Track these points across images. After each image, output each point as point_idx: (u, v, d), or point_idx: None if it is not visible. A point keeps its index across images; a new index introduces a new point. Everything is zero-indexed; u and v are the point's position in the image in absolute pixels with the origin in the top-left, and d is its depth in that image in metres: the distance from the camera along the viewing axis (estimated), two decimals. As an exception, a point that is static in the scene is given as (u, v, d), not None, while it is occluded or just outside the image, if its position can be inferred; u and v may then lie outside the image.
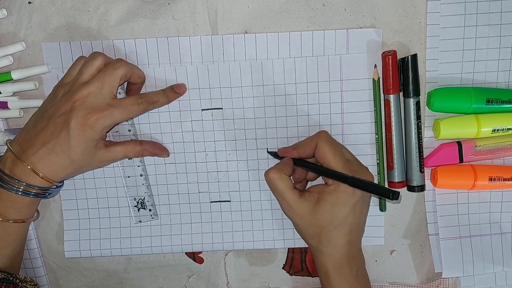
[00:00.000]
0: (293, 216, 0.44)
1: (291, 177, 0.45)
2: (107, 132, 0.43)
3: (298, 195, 0.43)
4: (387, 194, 0.39)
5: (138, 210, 0.50)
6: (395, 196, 0.39)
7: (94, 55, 0.42)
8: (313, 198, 0.43)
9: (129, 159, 0.48)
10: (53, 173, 0.42)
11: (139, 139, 0.48)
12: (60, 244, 0.51)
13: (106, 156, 0.43)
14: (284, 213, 0.44)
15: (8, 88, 0.46)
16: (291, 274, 0.51)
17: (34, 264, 0.51)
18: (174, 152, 0.49)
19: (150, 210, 0.50)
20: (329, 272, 0.43)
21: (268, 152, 0.48)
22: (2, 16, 0.46)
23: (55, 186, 0.44)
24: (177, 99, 0.47)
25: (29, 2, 0.46)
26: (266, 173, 0.43)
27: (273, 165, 0.44)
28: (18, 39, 0.47)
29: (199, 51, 0.46)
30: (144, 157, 0.49)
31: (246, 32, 0.46)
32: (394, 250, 0.50)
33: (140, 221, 0.50)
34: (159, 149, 0.47)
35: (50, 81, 0.46)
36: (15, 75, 0.46)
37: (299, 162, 0.45)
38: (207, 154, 0.49)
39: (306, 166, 0.44)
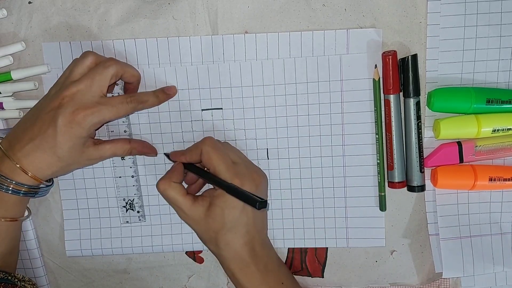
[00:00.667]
0: (189, 222, 0.44)
1: (185, 180, 0.46)
2: (96, 130, 0.43)
3: (191, 201, 0.43)
4: (253, 203, 0.40)
5: (126, 211, 0.50)
6: (261, 205, 0.40)
7: (85, 54, 0.42)
8: (206, 203, 0.43)
9: (122, 159, 0.48)
10: (39, 170, 0.41)
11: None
12: (60, 244, 0.51)
13: (95, 154, 0.43)
14: (182, 220, 0.45)
15: (8, 88, 0.46)
16: (291, 274, 0.51)
17: (33, 264, 0.51)
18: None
19: (138, 211, 0.50)
20: (235, 274, 0.44)
21: (164, 154, 0.48)
22: (2, 16, 0.46)
23: (44, 185, 0.43)
24: (178, 99, 0.47)
25: (29, 2, 0.46)
26: (157, 184, 0.44)
27: (169, 175, 0.45)
28: (18, 39, 0.47)
29: (199, 51, 0.46)
30: (139, 159, 0.49)
31: (246, 32, 0.46)
32: (394, 251, 0.50)
33: (127, 221, 0.50)
34: (147, 148, 0.47)
35: (50, 81, 0.46)
36: (15, 75, 0.46)
37: (189, 166, 0.45)
38: (207, 154, 0.49)
39: (193, 171, 0.45)
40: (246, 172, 0.43)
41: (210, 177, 0.43)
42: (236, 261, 0.43)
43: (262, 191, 0.45)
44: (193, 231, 0.46)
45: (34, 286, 0.43)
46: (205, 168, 0.45)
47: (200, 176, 0.45)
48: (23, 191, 0.42)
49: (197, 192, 0.48)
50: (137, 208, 0.50)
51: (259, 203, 0.40)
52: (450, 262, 0.48)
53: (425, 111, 0.47)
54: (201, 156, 0.43)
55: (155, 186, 0.49)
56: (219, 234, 0.43)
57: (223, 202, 0.42)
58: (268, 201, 0.41)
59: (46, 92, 0.44)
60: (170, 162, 0.48)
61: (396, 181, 0.46)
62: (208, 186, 0.49)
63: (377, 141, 0.47)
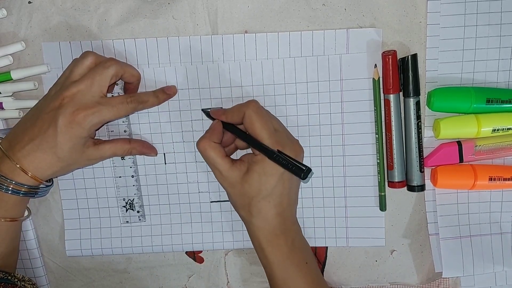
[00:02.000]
0: (225, 185, 0.44)
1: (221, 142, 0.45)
2: (96, 130, 0.43)
3: (229, 163, 0.43)
4: (298, 172, 0.40)
5: (126, 210, 0.50)
6: (306, 174, 0.40)
7: (85, 54, 0.42)
8: (244, 167, 0.43)
9: (122, 159, 0.48)
10: (39, 170, 0.41)
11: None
12: (60, 243, 0.51)
13: (95, 154, 0.43)
14: (218, 182, 0.44)
15: (7, 88, 0.46)
16: (291, 274, 0.51)
17: (33, 264, 0.51)
18: (174, 152, 0.49)
19: (138, 211, 0.50)
20: (262, 244, 0.43)
21: (202, 110, 0.47)
22: (2, 16, 0.46)
23: (44, 185, 0.43)
24: (178, 99, 0.47)
25: (29, 2, 0.46)
26: (198, 143, 0.43)
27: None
28: (18, 39, 0.47)
29: (199, 51, 0.46)
30: (139, 159, 0.49)
31: (246, 32, 0.46)
32: (394, 250, 0.50)
33: (127, 221, 0.50)
34: (147, 148, 0.47)
35: (49, 81, 0.46)
36: (15, 75, 0.46)
37: (228, 126, 0.44)
38: (207, 154, 0.49)
39: (234, 132, 0.44)
40: (287, 141, 0.43)
41: (253, 140, 0.42)
42: (265, 231, 0.43)
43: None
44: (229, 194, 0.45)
45: (34, 286, 0.43)
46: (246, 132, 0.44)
47: (242, 138, 0.44)
48: (23, 191, 0.42)
49: (230, 155, 0.47)
50: (137, 208, 0.50)
51: (305, 172, 0.39)
52: (450, 262, 0.48)
53: (425, 110, 0.47)
54: (244, 119, 0.42)
55: (155, 186, 0.49)
56: (253, 200, 0.42)
57: (261, 168, 0.42)
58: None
59: (46, 92, 0.44)
60: (171, 162, 0.48)
61: (396, 180, 0.46)
62: (240, 153, 0.48)
63: (377, 141, 0.47)
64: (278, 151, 0.41)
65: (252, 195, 0.42)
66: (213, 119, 0.46)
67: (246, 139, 0.43)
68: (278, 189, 0.42)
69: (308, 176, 0.40)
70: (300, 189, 0.49)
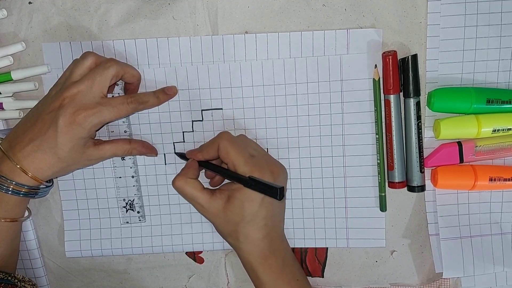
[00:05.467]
0: (209, 216, 0.44)
1: (205, 175, 0.46)
2: (96, 131, 0.43)
3: (209, 194, 0.43)
4: (273, 193, 0.40)
5: (127, 211, 0.50)
6: (281, 194, 0.40)
7: (85, 54, 0.42)
8: (224, 196, 0.43)
9: (122, 159, 0.48)
10: (39, 170, 0.41)
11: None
12: (60, 244, 0.51)
13: (95, 154, 0.43)
14: (202, 215, 0.45)
15: (8, 89, 0.46)
16: (291, 275, 0.51)
17: (33, 264, 0.51)
18: (175, 153, 0.49)
19: (138, 212, 0.50)
20: (254, 267, 0.44)
21: (175, 153, 0.48)
22: (2, 16, 0.46)
23: (44, 186, 0.43)
24: (178, 99, 0.47)
25: (30, 2, 0.46)
26: (173, 182, 0.44)
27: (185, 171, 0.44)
28: (18, 39, 0.47)
29: (199, 51, 0.46)
30: (139, 159, 0.49)
31: (246, 32, 0.46)
32: (394, 251, 0.50)
33: (127, 222, 0.50)
34: (148, 148, 0.47)
35: (50, 82, 0.46)
36: (15, 75, 0.46)
37: (204, 164, 0.45)
38: (207, 154, 0.49)
39: (208, 167, 0.45)
40: (264, 164, 0.43)
41: (227, 173, 0.43)
42: (255, 254, 0.43)
43: (281, 183, 0.45)
44: (211, 228, 0.45)
45: (34, 287, 0.43)
46: (222, 163, 0.45)
47: (217, 172, 0.45)
48: (23, 191, 0.42)
49: (219, 185, 0.48)
50: (137, 209, 0.50)
51: (279, 194, 0.40)
52: (450, 262, 0.48)
53: (425, 111, 0.47)
54: (219, 152, 0.43)
55: (155, 186, 0.49)
56: (238, 227, 0.43)
57: (242, 194, 0.42)
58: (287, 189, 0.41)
59: (46, 93, 0.44)
60: (171, 162, 0.48)
61: (396, 181, 0.46)
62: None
63: (377, 141, 0.47)
64: (250, 177, 0.41)
65: (237, 222, 0.43)
66: (183, 156, 0.47)
67: (219, 172, 0.44)
68: (261, 213, 0.43)
69: (284, 194, 0.41)
70: (300, 189, 0.49)
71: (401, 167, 0.46)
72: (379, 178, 0.47)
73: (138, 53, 0.46)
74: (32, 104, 0.45)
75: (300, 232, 0.50)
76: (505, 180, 0.46)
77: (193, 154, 0.45)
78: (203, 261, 0.51)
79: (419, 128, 0.45)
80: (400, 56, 0.45)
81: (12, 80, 0.46)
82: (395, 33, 0.46)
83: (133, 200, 0.49)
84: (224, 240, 0.47)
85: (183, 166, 0.45)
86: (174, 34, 0.46)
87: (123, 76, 0.43)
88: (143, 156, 0.48)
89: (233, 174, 0.43)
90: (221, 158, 0.44)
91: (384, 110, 0.46)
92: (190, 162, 0.45)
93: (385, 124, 0.46)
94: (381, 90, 0.46)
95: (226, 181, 0.47)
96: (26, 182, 0.41)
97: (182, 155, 0.47)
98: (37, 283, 0.51)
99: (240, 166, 0.42)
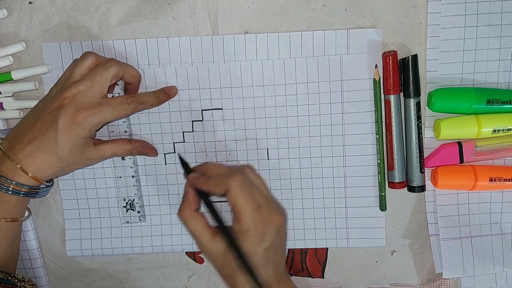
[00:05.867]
0: (206, 256, 0.42)
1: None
2: (96, 131, 0.43)
3: (211, 234, 0.40)
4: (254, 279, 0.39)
5: (127, 211, 0.50)
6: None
7: (85, 54, 0.42)
8: (226, 240, 0.40)
9: (122, 159, 0.48)
10: (39, 170, 0.41)
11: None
12: (60, 244, 0.51)
13: (95, 154, 0.43)
14: (201, 252, 0.42)
15: (8, 88, 0.46)
16: (291, 275, 0.51)
17: (33, 264, 0.51)
18: (174, 152, 0.49)
19: (138, 212, 0.50)
20: None
21: (179, 155, 0.46)
22: (2, 16, 0.46)
23: (44, 186, 0.43)
24: (178, 99, 0.47)
25: (30, 2, 0.46)
26: (179, 213, 0.41)
27: (185, 201, 0.41)
28: (19, 39, 0.47)
29: (200, 51, 0.46)
30: (139, 159, 0.49)
31: (246, 32, 0.46)
32: (394, 251, 0.50)
33: (128, 222, 0.50)
34: (148, 148, 0.47)
35: (50, 81, 0.46)
36: (15, 75, 0.46)
37: (203, 196, 0.41)
38: (207, 154, 0.49)
39: (206, 204, 0.42)
40: (268, 216, 0.40)
41: (221, 226, 0.40)
42: None
43: (283, 233, 0.42)
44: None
45: (34, 287, 0.43)
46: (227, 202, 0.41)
47: (212, 215, 0.41)
48: (23, 191, 0.42)
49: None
50: (137, 208, 0.50)
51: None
52: (450, 263, 0.48)
53: (425, 111, 0.47)
54: (227, 194, 0.39)
55: (155, 186, 0.49)
56: (237, 273, 0.40)
57: None
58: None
59: (46, 93, 0.44)
60: (171, 162, 0.48)
61: (397, 181, 0.46)
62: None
63: (378, 141, 0.47)
64: (243, 256, 0.39)
65: (236, 268, 0.40)
66: (187, 167, 0.44)
67: (215, 219, 0.41)
68: (262, 263, 0.40)
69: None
70: (300, 189, 0.49)
71: (401, 167, 0.46)
72: (379, 178, 0.47)
73: (138, 53, 0.46)
74: (32, 104, 0.45)
75: (300, 232, 0.50)
76: (505, 180, 0.46)
77: (199, 182, 0.41)
78: (203, 261, 0.51)
79: (419, 128, 0.45)
80: (400, 56, 0.45)
81: (12, 80, 0.46)
82: (395, 33, 0.46)
83: (133, 200, 0.49)
84: None
85: (186, 194, 0.42)
86: (174, 34, 0.46)
87: (123, 76, 0.43)
88: (143, 156, 0.48)
89: (225, 230, 0.40)
90: (227, 199, 0.40)
91: (384, 110, 0.46)
92: (190, 193, 0.42)
93: (385, 124, 0.46)
94: (381, 90, 0.46)
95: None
96: (26, 182, 0.41)
97: (184, 162, 0.44)
98: (37, 283, 0.51)
99: (246, 218, 0.39)
